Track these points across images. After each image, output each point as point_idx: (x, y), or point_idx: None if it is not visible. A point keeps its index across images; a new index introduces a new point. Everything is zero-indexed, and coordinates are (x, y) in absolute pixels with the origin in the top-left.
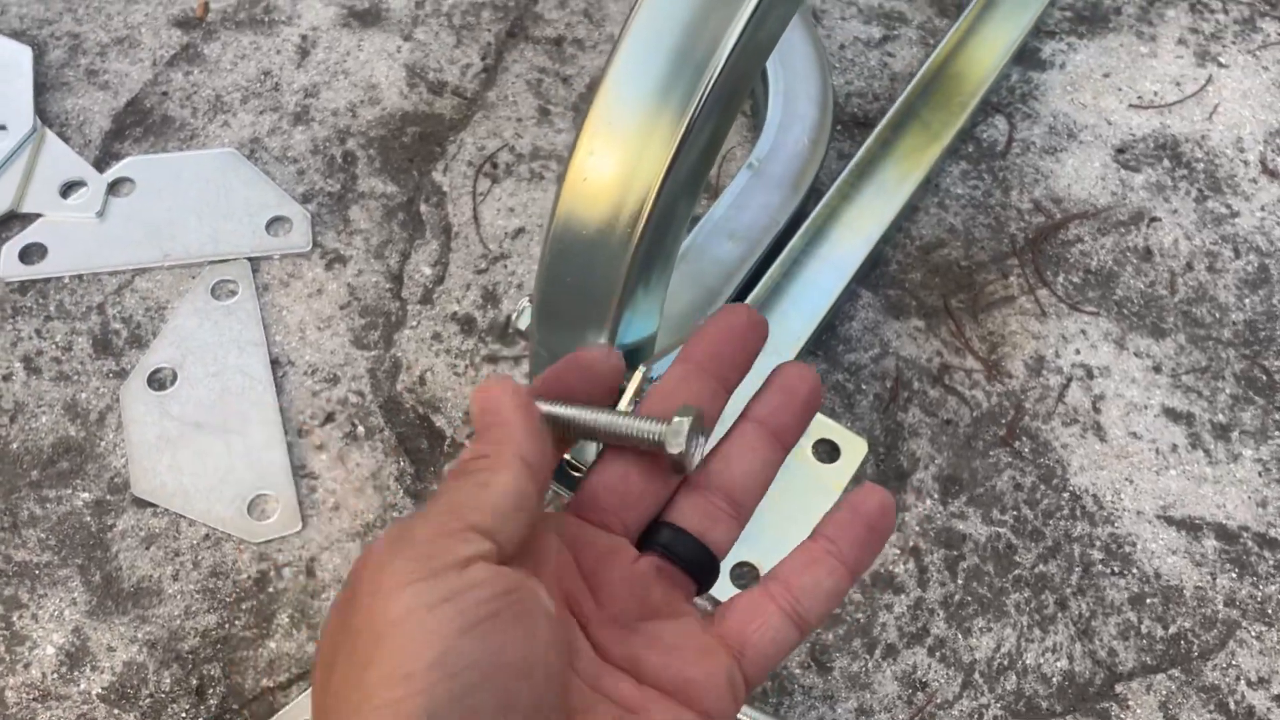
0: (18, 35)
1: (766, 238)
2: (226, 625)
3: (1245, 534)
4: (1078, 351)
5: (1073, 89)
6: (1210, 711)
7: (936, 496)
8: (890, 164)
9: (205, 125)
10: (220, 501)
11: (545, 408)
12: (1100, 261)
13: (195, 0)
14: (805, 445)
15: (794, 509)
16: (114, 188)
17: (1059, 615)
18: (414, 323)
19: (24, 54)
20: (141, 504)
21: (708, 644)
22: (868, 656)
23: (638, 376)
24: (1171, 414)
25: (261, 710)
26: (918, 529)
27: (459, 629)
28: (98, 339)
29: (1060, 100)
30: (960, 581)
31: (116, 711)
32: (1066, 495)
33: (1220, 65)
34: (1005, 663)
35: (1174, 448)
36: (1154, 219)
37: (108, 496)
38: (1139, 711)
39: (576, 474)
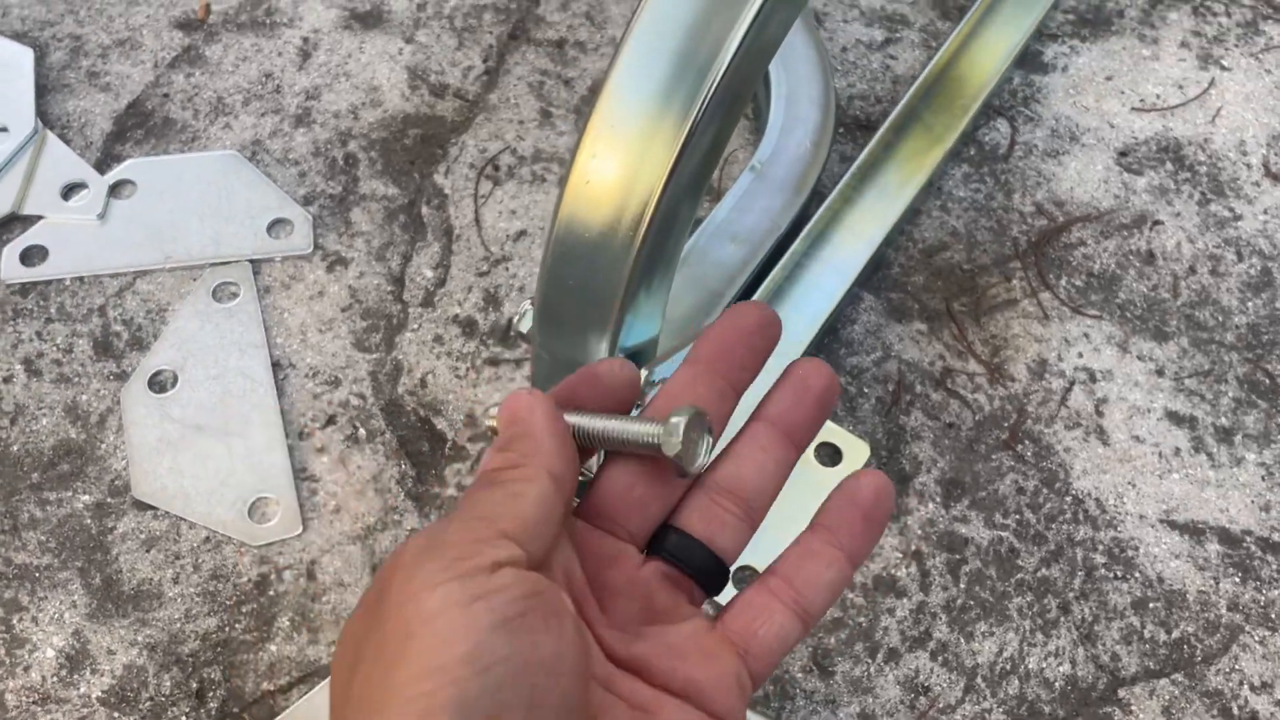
0: (19, 37)
1: (768, 241)
2: (227, 628)
3: (1248, 538)
4: (1080, 355)
5: (1075, 92)
6: (1213, 716)
7: (939, 500)
8: (892, 167)
9: (207, 127)
10: (221, 504)
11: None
12: (1103, 265)
13: (197, 2)
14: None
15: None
16: (115, 190)
17: (1061, 619)
18: (415, 325)
19: (25, 55)
20: (142, 507)
21: (713, 646)
22: (870, 660)
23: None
24: (1174, 417)
25: (262, 713)
26: (920, 533)
27: (490, 625)
28: (98, 341)
29: (1062, 103)
30: (962, 585)
31: (116, 715)
32: (1069, 499)
33: (1223, 68)
34: (1008, 667)
35: (1177, 451)
36: (1157, 222)
37: (108, 499)
38: (1142, 716)
39: (582, 478)
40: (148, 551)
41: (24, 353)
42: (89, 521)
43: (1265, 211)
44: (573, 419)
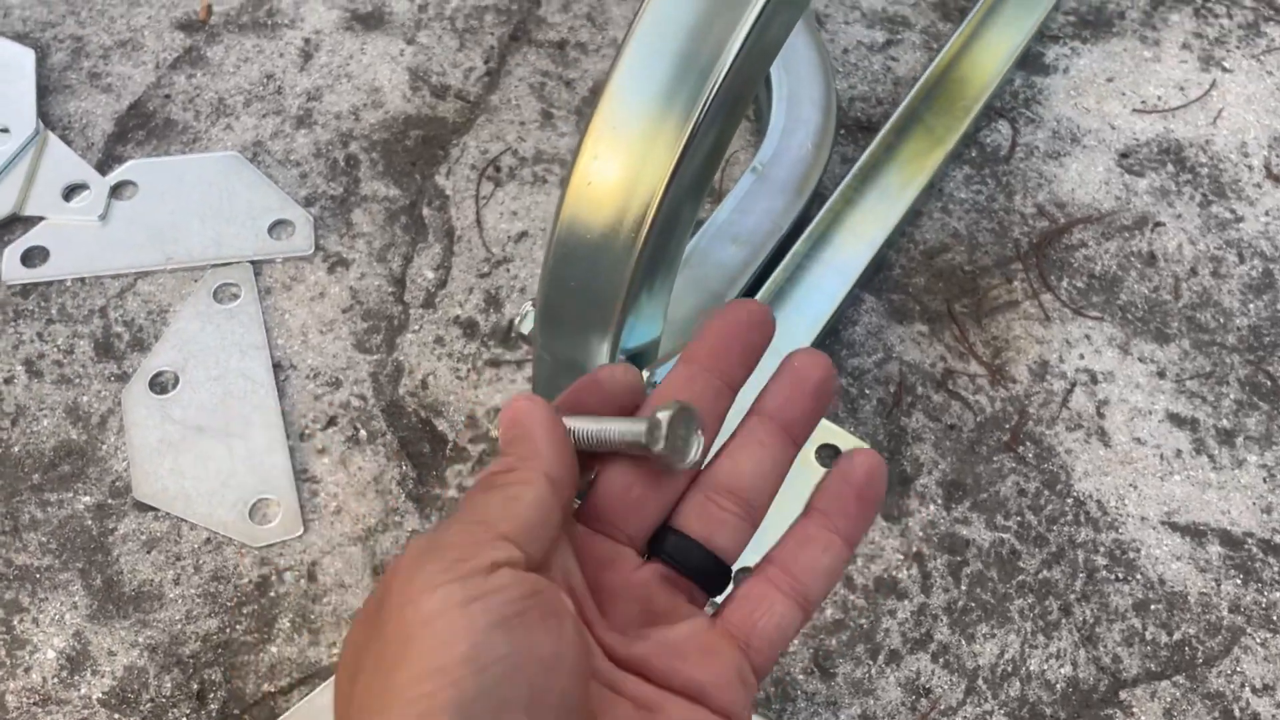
0: (20, 38)
1: (770, 242)
2: (227, 630)
3: (1250, 540)
4: (1082, 356)
5: (1076, 93)
6: (1215, 718)
7: (940, 502)
8: (894, 168)
9: (208, 128)
10: (222, 505)
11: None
12: (1104, 266)
13: (198, 3)
14: (808, 450)
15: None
16: (116, 191)
17: (1063, 621)
18: (416, 326)
19: (27, 56)
20: (143, 508)
21: (714, 643)
22: (871, 662)
23: None
24: (1176, 419)
25: (262, 715)
26: (921, 534)
27: (488, 625)
28: (99, 342)
29: (1064, 105)
30: (964, 587)
31: (117, 716)
32: (1070, 501)
33: (1224, 70)
34: (1009, 669)
35: (1178, 453)
36: (1158, 224)
37: (109, 500)
38: (1143, 718)
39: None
40: (148, 553)
41: (25, 354)
42: (90, 523)
43: (1267, 213)
44: (571, 423)
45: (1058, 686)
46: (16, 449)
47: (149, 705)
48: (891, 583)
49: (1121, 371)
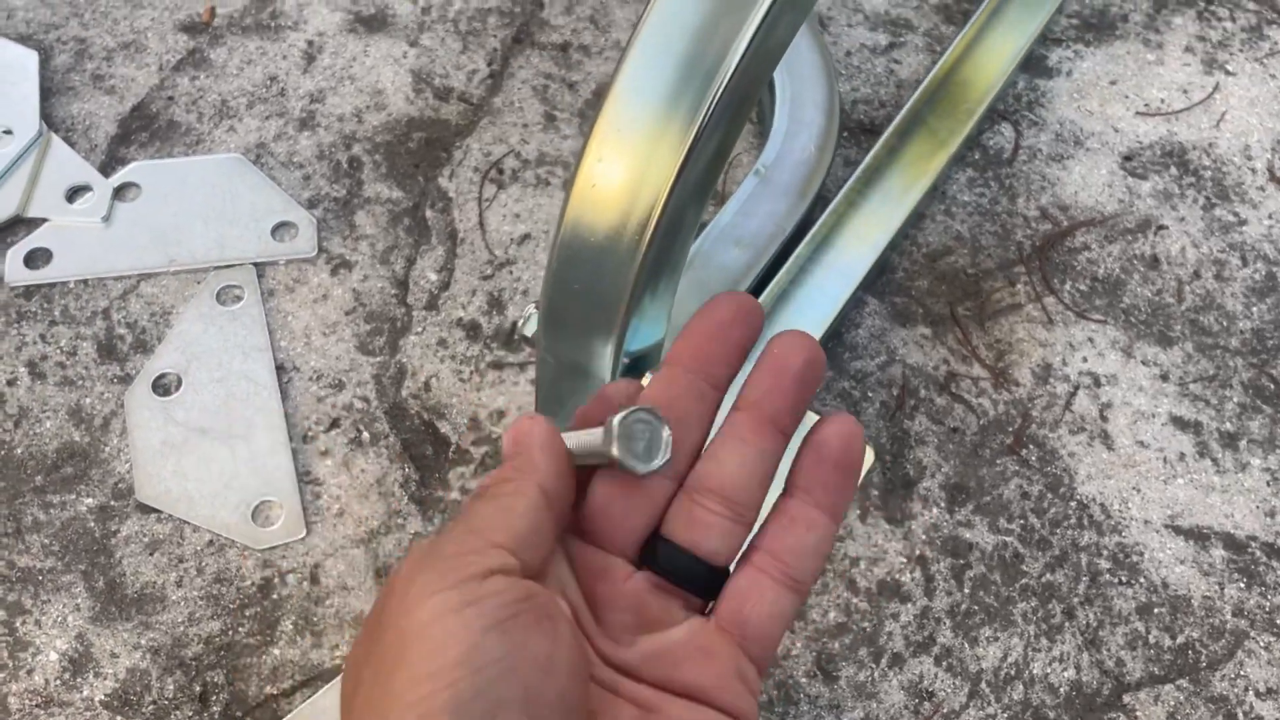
0: (24, 39)
1: (773, 245)
2: (230, 632)
3: (1253, 544)
4: (1085, 359)
5: (1079, 96)
6: None
7: (943, 505)
8: (897, 171)
9: (211, 130)
10: (224, 507)
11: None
12: (1107, 269)
13: (202, 5)
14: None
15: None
16: (120, 193)
17: (1066, 625)
18: (419, 328)
19: (30, 58)
20: (145, 510)
21: (709, 644)
22: (874, 665)
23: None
24: (1179, 423)
25: (265, 717)
26: (924, 537)
27: (483, 628)
28: (102, 344)
29: (1067, 107)
30: (967, 590)
31: (119, 718)
32: (1074, 504)
33: (1227, 73)
34: (1012, 672)
35: (1181, 456)
36: (1161, 227)
37: (112, 502)
38: None
39: None
40: (151, 555)
41: (28, 355)
42: (92, 525)
43: (1270, 216)
44: (567, 439)
45: (1061, 690)
46: (19, 451)
47: (151, 707)
48: (894, 586)
49: (1125, 375)
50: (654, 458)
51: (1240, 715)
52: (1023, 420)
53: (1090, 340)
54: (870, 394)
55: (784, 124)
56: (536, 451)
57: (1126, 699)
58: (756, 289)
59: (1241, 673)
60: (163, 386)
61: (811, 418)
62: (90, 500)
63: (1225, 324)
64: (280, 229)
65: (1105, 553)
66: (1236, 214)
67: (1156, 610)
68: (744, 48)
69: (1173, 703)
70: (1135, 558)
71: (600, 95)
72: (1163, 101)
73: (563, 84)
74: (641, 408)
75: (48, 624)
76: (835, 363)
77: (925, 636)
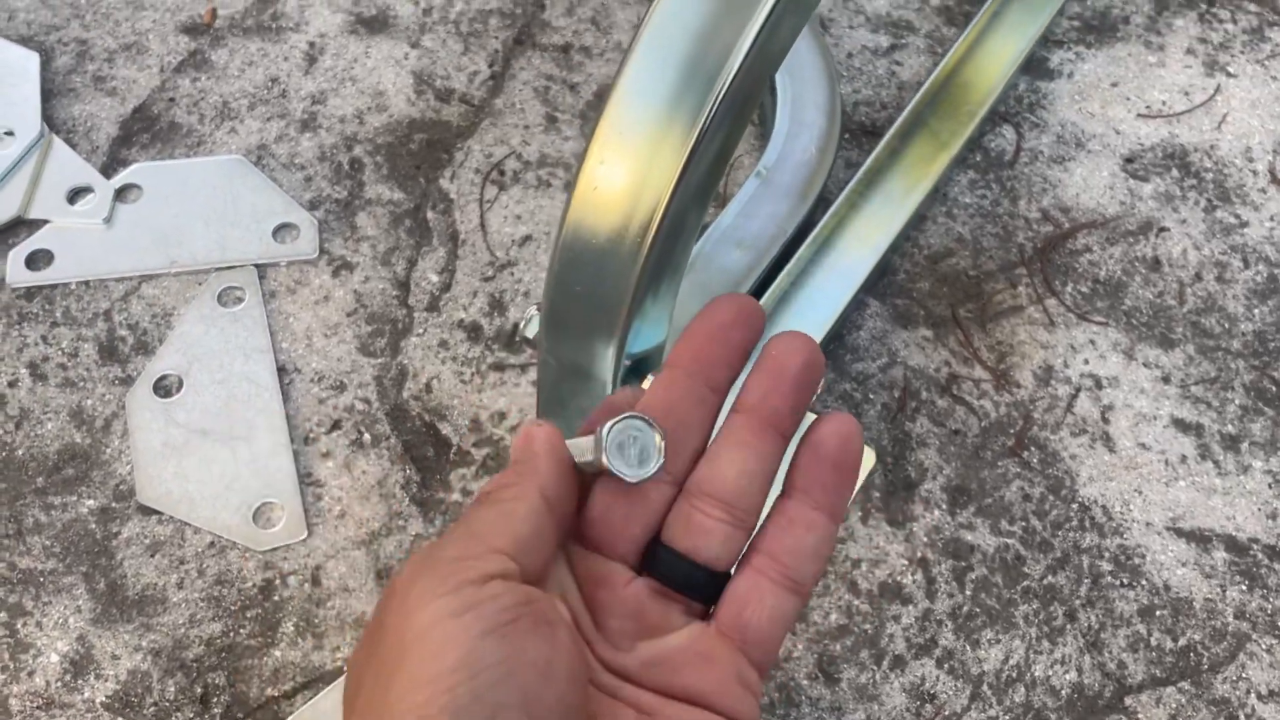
0: (25, 41)
1: (774, 246)
2: (231, 634)
3: (1255, 546)
4: (1086, 361)
5: (1081, 98)
6: None
7: (945, 507)
8: (898, 173)
9: (212, 132)
10: (226, 509)
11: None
12: (1109, 271)
13: (203, 7)
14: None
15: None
16: (121, 194)
17: (1068, 627)
18: (420, 330)
19: (31, 60)
20: (147, 511)
21: (709, 649)
22: (875, 668)
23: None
24: (1181, 425)
25: (266, 719)
26: (926, 540)
27: (481, 633)
28: (104, 346)
29: (1068, 110)
30: (968, 593)
31: None
32: (1075, 506)
33: (1229, 75)
34: (1014, 675)
35: (1183, 459)
36: (1162, 229)
37: (113, 504)
38: None
39: None
40: (152, 556)
41: (29, 357)
42: (93, 526)
43: (1271, 218)
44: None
45: (1063, 692)
46: (20, 452)
47: (152, 709)
48: (896, 588)
49: (1126, 377)
50: (645, 466)
51: (1242, 718)
52: (1024, 422)
53: (1092, 342)
54: (872, 396)
55: (785, 126)
56: (539, 457)
57: (1128, 701)
58: (758, 291)
59: (1243, 675)
60: (164, 388)
61: (811, 419)
62: (91, 502)
63: (1227, 326)
64: (281, 230)
65: (1107, 555)
66: (1238, 216)
67: (1158, 613)
68: (746, 50)
69: (1174, 705)
70: (1137, 560)
71: (602, 97)
72: (1164, 104)
73: (564, 85)
74: (632, 415)
75: (49, 626)
76: (836, 365)
77: (927, 639)
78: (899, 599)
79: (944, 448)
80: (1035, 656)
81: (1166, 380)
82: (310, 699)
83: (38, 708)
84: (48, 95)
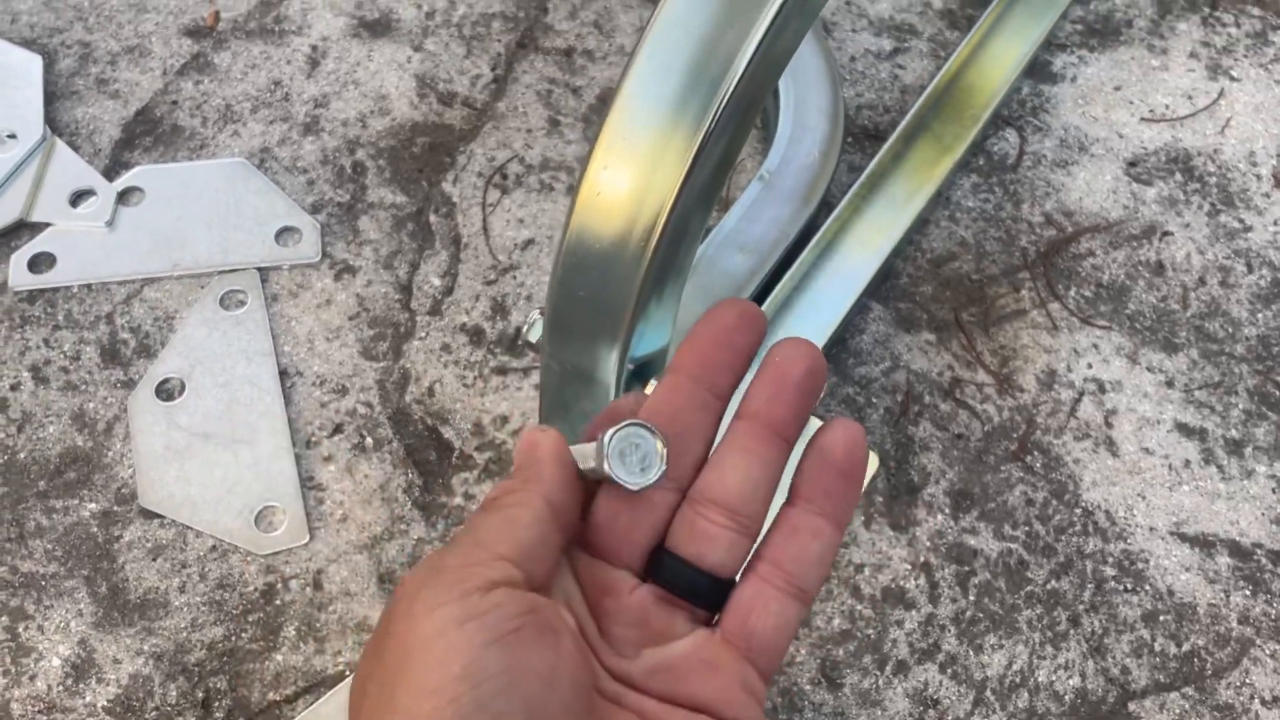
0: (28, 43)
1: (777, 250)
2: (233, 638)
3: (1259, 551)
4: (1089, 366)
5: (1084, 102)
6: None
7: (948, 512)
8: (901, 177)
9: (215, 135)
10: (228, 513)
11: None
12: (1112, 275)
13: (206, 10)
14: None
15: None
16: (123, 197)
17: (1071, 632)
18: (423, 334)
19: (34, 62)
20: (148, 515)
21: (714, 656)
22: (878, 673)
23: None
24: (1184, 429)
25: None
26: (929, 544)
27: (484, 642)
28: (106, 349)
29: (1071, 113)
30: (972, 598)
31: None
32: (1079, 511)
33: (1232, 79)
34: (1017, 680)
35: (1187, 463)
36: (1166, 233)
37: (115, 507)
38: None
39: None
40: (154, 560)
41: (31, 360)
42: (95, 530)
43: (1275, 223)
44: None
45: (1066, 698)
46: (22, 455)
47: (154, 713)
48: (899, 593)
49: (1129, 381)
50: (646, 474)
51: None
52: (1027, 426)
53: (1095, 346)
54: (875, 400)
55: (788, 129)
56: (543, 463)
57: (1132, 707)
58: (760, 295)
59: (1247, 681)
60: (166, 391)
61: (815, 423)
62: (93, 505)
63: (1230, 330)
64: (284, 234)
65: (1110, 560)
66: (1241, 220)
67: (1162, 618)
68: (750, 54)
69: (1178, 711)
70: (1140, 565)
71: (605, 101)
72: (1167, 107)
73: (566, 89)
74: (634, 422)
75: (50, 630)
76: (839, 368)
77: (930, 644)
78: (902, 604)
79: (947, 452)
80: (1039, 662)
81: (1170, 385)
82: (312, 703)
83: (39, 712)
84: (50, 98)
